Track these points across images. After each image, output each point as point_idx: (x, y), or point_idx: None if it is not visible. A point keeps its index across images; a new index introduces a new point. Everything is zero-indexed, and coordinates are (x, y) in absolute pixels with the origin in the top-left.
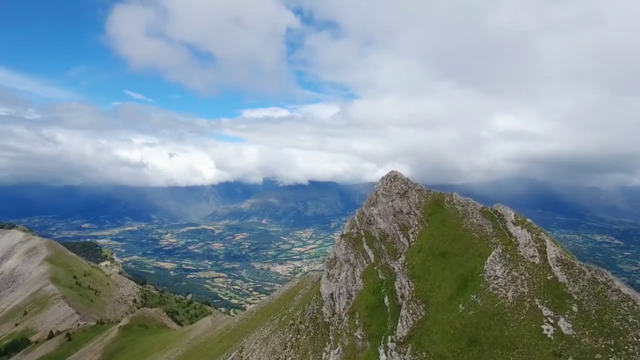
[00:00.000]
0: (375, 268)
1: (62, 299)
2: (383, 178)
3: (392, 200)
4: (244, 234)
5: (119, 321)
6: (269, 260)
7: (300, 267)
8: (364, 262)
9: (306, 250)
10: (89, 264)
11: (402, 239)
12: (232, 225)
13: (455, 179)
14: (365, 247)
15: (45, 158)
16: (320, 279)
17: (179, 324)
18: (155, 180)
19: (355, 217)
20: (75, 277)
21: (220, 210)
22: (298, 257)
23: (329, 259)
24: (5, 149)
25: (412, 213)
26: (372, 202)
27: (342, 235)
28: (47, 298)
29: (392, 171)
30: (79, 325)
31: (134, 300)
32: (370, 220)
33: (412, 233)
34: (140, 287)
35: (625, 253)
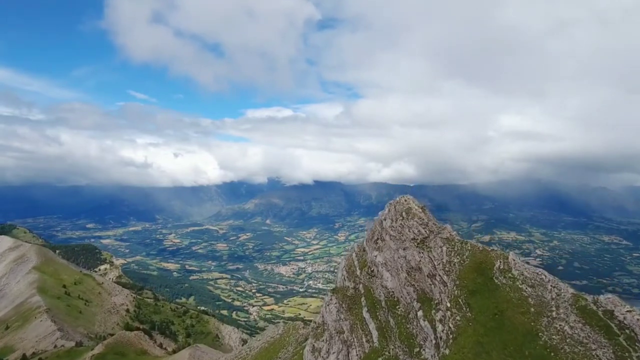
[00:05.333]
0: None
1: (45, 313)
2: (391, 205)
3: (404, 249)
4: (247, 234)
5: (105, 337)
6: (273, 261)
7: (304, 268)
8: (363, 340)
9: (310, 251)
10: (81, 271)
11: (422, 322)
12: (235, 226)
13: (461, 179)
14: (366, 314)
15: (50, 158)
16: (306, 340)
17: (174, 334)
18: (160, 181)
19: (354, 256)
20: (64, 286)
21: (224, 211)
22: (302, 257)
23: (315, 322)
24: (10, 150)
25: (437, 277)
26: (375, 238)
27: (333, 291)
28: (31, 311)
29: (404, 198)
30: (56, 346)
31: (127, 310)
32: (372, 271)
33: (441, 321)
34: (134, 295)
35: (634, 254)
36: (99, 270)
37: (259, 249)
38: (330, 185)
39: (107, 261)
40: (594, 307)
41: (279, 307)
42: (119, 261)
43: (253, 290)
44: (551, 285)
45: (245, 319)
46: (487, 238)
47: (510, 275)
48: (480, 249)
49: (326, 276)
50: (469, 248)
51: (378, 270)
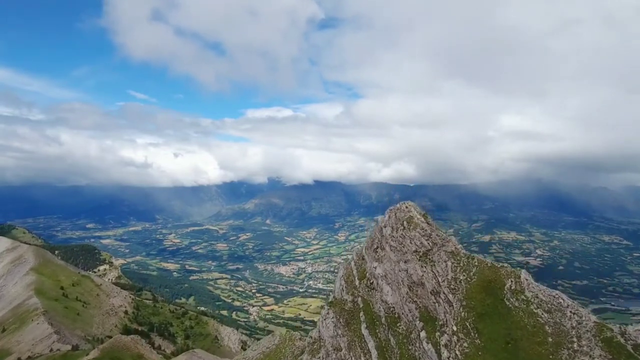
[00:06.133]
0: None
1: (42, 315)
2: (391, 212)
3: (405, 261)
4: (247, 234)
5: (103, 340)
6: (273, 261)
7: (304, 268)
8: (362, 359)
9: (310, 251)
10: (79, 272)
11: (425, 345)
12: (236, 226)
13: (462, 179)
14: (365, 331)
15: (50, 158)
16: (302, 354)
17: (173, 335)
18: (160, 180)
19: (352, 264)
20: (62, 288)
21: (224, 211)
22: (302, 258)
23: (311, 337)
24: (10, 150)
25: (441, 295)
26: (375, 247)
27: (330, 304)
28: (28, 313)
29: (405, 205)
30: (52, 350)
31: (125, 312)
32: (372, 283)
33: (446, 346)
34: (132, 297)
35: (635, 254)
36: (98, 270)
37: (259, 249)
38: (331, 185)
39: (107, 262)
40: (622, 340)
41: (279, 307)
42: (118, 261)
43: (253, 291)
44: (570, 312)
45: (245, 320)
46: (487, 238)
47: (523, 297)
48: (489, 265)
49: (326, 276)
50: (476, 264)
51: (377, 283)
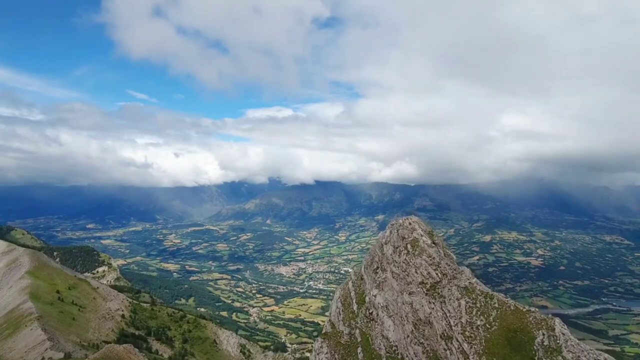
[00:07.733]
0: None
1: (36, 321)
2: (392, 227)
3: (410, 293)
4: (248, 234)
5: (98, 346)
6: (273, 262)
7: (305, 268)
8: None
9: (311, 252)
10: (76, 275)
11: None
12: (236, 226)
13: (463, 178)
14: None
15: (51, 158)
16: None
17: (170, 339)
18: (160, 181)
19: (350, 285)
20: (58, 291)
21: (225, 211)
22: (302, 258)
23: None
24: (11, 150)
25: (454, 342)
26: (375, 267)
27: (324, 336)
28: (22, 318)
29: (408, 221)
30: (43, 358)
31: (122, 316)
32: (371, 313)
33: None
34: (130, 300)
35: (636, 254)
36: (97, 272)
37: (259, 249)
38: (331, 185)
39: (105, 263)
40: None
41: (279, 307)
42: (118, 262)
43: (253, 291)
44: None
45: (245, 321)
46: (488, 238)
47: (560, 358)
48: (512, 308)
49: (327, 277)
50: (497, 305)
51: (378, 314)
